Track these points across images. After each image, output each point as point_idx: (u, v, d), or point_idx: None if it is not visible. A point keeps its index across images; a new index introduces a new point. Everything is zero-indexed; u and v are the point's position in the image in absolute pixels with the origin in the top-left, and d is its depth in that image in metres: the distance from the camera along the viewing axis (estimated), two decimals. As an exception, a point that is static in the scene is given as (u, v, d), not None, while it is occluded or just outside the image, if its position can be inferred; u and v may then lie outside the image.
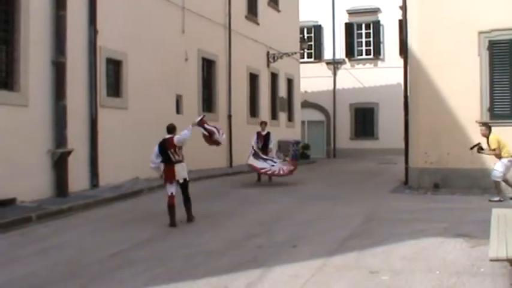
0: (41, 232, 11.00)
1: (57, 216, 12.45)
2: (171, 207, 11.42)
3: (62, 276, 7.83)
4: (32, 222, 11.75)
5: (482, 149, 14.70)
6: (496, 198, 14.08)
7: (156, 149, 11.62)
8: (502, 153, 14.30)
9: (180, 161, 11.64)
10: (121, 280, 7.56)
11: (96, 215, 12.96)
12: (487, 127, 14.66)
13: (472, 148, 14.90)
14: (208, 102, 23.43)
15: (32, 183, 13.72)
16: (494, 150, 14.34)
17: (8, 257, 8.96)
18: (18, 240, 10.37)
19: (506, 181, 14.54)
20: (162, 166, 11.69)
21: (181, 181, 11.64)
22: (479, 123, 15.16)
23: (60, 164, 14.42)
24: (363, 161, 31.55)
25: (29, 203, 13.18)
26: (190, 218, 11.73)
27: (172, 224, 11.33)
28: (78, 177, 15.14)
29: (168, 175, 11.57)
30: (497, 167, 14.39)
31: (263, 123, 20.69)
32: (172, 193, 11.51)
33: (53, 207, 12.87)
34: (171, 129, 11.92)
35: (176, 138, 11.59)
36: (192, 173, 17.09)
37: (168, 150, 11.52)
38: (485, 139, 14.62)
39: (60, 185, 14.43)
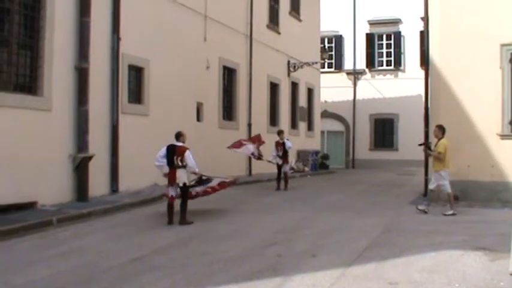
0: (61, 236, 11.09)
1: (77, 220, 12.55)
2: (169, 207, 12.40)
3: (81, 280, 7.89)
4: (52, 225, 11.84)
5: (430, 148, 15.00)
6: (450, 212, 14.13)
7: (164, 150, 12.52)
8: (443, 163, 14.45)
9: (183, 167, 12.31)
10: (140, 285, 7.60)
11: (116, 220, 13.04)
12: (440, 129, 14.77)
13: (420, 145, 15.63)
14: (228, 111, 23.51)
15: (53, 187, 13.85)
16: (439, 153, 14.43)
17: (28, 260, 9.05)
18: (38, 243, 10.45)
19: (432, 191, 14.83)
20: (166, 168, 12.47)
21: (181, 185, 12.38)
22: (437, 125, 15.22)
23: (81, 168, 14.53)
24: (382, 172, 31.44)
25: (49, 207, 13.31)
26: (182, 221, 12.26)
27: (169, 222, 12.24)
28: (98, 182, 15.25)
29: (170, 178, 12.41)
30: (441, 181, 14.48)
31: (281, 132, 20.88)
32: (172, 195, 12.46)
33: (73, 212, 12.97)
34: (179, 136, 12.66)
35: (188, 156, 12.32)
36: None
37: (174, 156, 12.31)
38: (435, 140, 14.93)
39: (81, 190, 14.53)
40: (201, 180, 13.46)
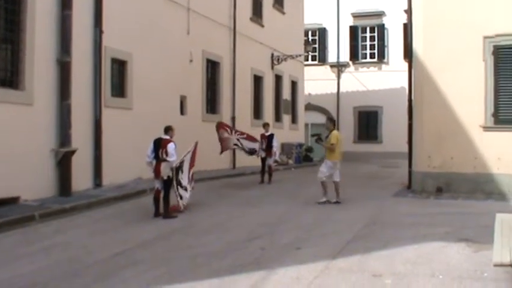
0: (43, 231, 11.03)
1: (60, 215, 12.47)
2: (155, 200, 12.58)
3: (65, 275, 7.84)
4: (35, 221, 11.76)
5: (321, 139, 15.38)
6: (323, 200, 14.60)
7: (151, 145, 12.69)
8: (334, 154, 14.87)
9: (166, 160, 12.38)
10: (124, 280, 7.57)
11: (99, 214, 12.98)
12: (331, 122, 15.46)
13: (313, 136, 16.17)
14: (212, 104, 23.45)
15: (35, 182, 13.75)
16: (332, 144, 14.80)
17: (11, 255, 8.99)
18: (21, 238, 10.39)
19: (323, 183, 14.92)
20: (154, 162, 12.60)
21: (165, 178, 12.45)
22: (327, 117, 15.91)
23: (63, 163, 14.43)
24: (366, 164, 31.49)
25: (32, 202, 13.21)
26: (165, 215, 12.36)
27: (156, 215, 12.40)
28: (81, 177, 15.17)
29: (156, 171, 12.55)
30: (322, 168, 14.94)
31: (266, 125, 20.88)
32: (158, 188, 12.60)
33: (56, 206, 12.90)
34: (168, 130, 12.92)
35: (171, 149, 12.44)
36: (195, 174, 17.15)
37: (159, 149, 12.51)
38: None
39: (64, 184, 14.44)
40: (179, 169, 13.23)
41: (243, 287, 7.19)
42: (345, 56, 37.74)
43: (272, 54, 29.09)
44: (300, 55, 31.85)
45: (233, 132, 19.50)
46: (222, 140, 18.97)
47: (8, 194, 12.87)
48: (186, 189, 13.16)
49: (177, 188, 12.77)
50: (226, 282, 7.39)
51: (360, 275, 7.65)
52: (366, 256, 8.71)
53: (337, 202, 14.63)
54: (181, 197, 12.90)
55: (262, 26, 27.79)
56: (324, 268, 7.99)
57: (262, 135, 20.34)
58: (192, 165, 13.57)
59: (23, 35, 13.52)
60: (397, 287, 7.11)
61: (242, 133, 19.58)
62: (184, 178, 13.10)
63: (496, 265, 6.38)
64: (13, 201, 12.96)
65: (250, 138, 19.56)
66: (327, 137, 15.19)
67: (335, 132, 15.09)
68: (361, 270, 7.89)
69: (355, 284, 7.24)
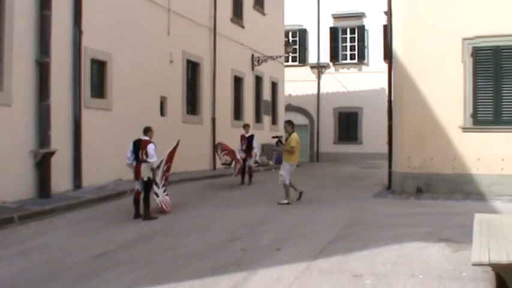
0: (23, 233, 10.93)
1: (39, 217, 12.36)
2: (135, 202, 12.54)
3: (45, 277, 7.79)
4: (14, 223, 11.64)
5: (281, 142, 15.57)
6: (285, 201, 14.81)
7: (130, 146, 12.59)
8: (293, 157, 15.27)
9: (146, 161, 12.37)
10: (105, 281, 7.54)
11: (79, 216, 12.89)
12: (290, 124, 15.65)
13: (273, 137, 16.26)
14: (192, 105, 23.39)
15: (14, 184, 13.62)
16: (292, 147, 15.10)
17: (-10, 258, 8.91)
18: None
19: (291, 185, 15.31)
20: (134, 163, 12.57)
21: (145, 179, 12.47)
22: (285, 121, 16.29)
23: (43, 164, 14.32)
24: (347, 165, 31.61)
25: (10, 204, 13.08)
26: (146, 216, 12.35)
27: (136, 216, 12.39)
28: (61, 178, 15.07)
29: (136, 173, 12.54)
30: (282, 172, 15.21)
31: (246, 126, 20.88)
32: (138, 189, 12.60)
33: (35, 208, 12.78)
34: (147, 131, 12.86)
35: (151, 150, 12.39)
36: (175, 175, 17.12)
37: (139, 150, 12.49)
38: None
39: (43, 186, 14.33)
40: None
41: (224, 288, 7.20)
42: (325, 57, 37.82)
43: (252, 55, 29.08)
44: (280, 56, 31.87)
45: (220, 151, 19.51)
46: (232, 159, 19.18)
47: (-14, 196, 12.77)
48: (158, 186, 13.05)
49: (153, 187, 12.78)
50: (207, 283, 7.39)
51: (340, 276, 7.68)
52: (347, 256, 8.75)
53: (288, 203, 14.80)
54: (156, 195, 12.87)
55: (243, 27, 27.78)
56: (305, 269, 8.01)
57: (242, 136, 20.35)
58: (168, 161, 13.39)
59: (1, 35, 13.41)
60: (377, 287, 7.14)
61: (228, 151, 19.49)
62: (158, 174, 13.03)
63: (474, 264, 6.41)
64: (-9, 203, 12.85)
65: (232, 154, 19.44)
66: (286, 139, 15.42)
67: (294, 135, 15.28)
68: (341, 271, 7.92)
69: (336, 285, 7.27)
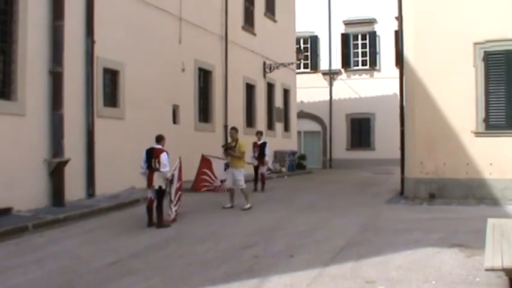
0: (37, 241, 11.00)
1: (53, 225, 12.44)
2: (148, 210, 12.57)
3: (58, 285, 7.84)
4: (28, 231, 11.72)
5: (230, 149, 15.67)
6: (248, 206, 15.14)
7: (143, 155, 12.64)
8: (242, 162, 15.69)
9: (158, 170, 12.41)
10: (118, 289, 7.58)
11: (92, 224, 12.95)
12: (236, 131, 16.10)
13: (223, 146, 16.49)
14: (204, 113, 23.45)
15: (28, 193, 13.71)
16: (243, 153, 15.61)
17: (4, 266, 8.96)
18: (14, 249, 10.35)
19: (232, 190, 15.61)
20: (147, 172, 12.62)
21: (156, 187, 12.50)
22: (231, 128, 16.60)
23: (56, 173, 14.41)
24: (359, 171, 31.55)
25: (25, 213, 13.17)
26: (159, 224, 12.37)
27: (149, 224, 12.40)
28: (74, 187, 15.14)
29: (148, 181, 12.56)
30: (240, 177, 15.42)
31: (258, 133, 20.95)
32: (151, 197, 12.63)
33: (49, 217, 12.86)
34: (159, 139, 12.92)
35: (164, 159, 12.44)
36: (188, 183, 17.16)
37: (152, 159, 12.50)
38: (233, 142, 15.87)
39: (57, 195, 14.41)
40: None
41: (236, 295, 7.21)
42: (337, 64, 37.83)
43: (264, 63, 29.13)
44: (292, 63, 31.92)
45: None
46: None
47: (0, 205, 12.82)
48: (172, 203, 13.09)
49: (170, 201, 12.83)
50: (220, 291, 7.41)
51: (352, 282, 7.67)
52: (359, 263, 8.74)
53: (251, 207, 15.20)
54: (170, 210, 12.93)
55: (254, 34, 27.85)
56: (317, 275, 8.02)
57: (255, 144, 20.46)
58: (179, 179, 13.37)
59: (14, 46, 13.53)
60: (390, 293, 7.14)
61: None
62: (172, 193, 13.07)
63: (487, 270, 6.40)
64: (6, 212, 12.90)
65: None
66: (234, 146, 15.63)
67: (241, 141, 15.85)
68: (354, 277, 7.91)
69: (349, 291, 7.27)
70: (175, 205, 13.16)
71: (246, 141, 20.66)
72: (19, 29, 13.58)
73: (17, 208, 13.22)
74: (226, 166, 16.66)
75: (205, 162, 18.73)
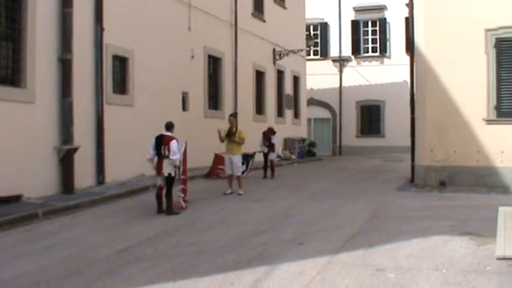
0: (47, 229, 11.02)
1: (63, 212, 12.49)
2: (158, 197, 12.58)
3: (68, 272, 7.84)
4: (38, 218, 11.78)
5: (231, 135, 15.68)
6: (242, 192, 15.44)
7: (153, 141, 12.61)
8: (241, 148, 15.93)
9: (168, 157, 12.40)
10: (127, 277, 7.56)
11: (102, 211, 12.99)
12: (235, 118, 16.33)
13: (227, 135, 15.78)
14: (214, 100, 23.44)
15: (38, 180, 13.76)
16: (243, 139, 15.79)
17: (15, 253, 8.98)
18: (24, 236, 10.38)
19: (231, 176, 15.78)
20: (156, 159, 12.63)
21: (166, 175, 12.50)
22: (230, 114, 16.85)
23: (66, 160, 14.44)
24: (369, 158, 31.51)
25: (35, 200, 13.24)
26: (168, 211, 12.36)
27: (159, 211, 12.45)
28: (84, 174, 15.18)
29: (158, 168, 12.60)
30: (239, 163, 15.74)
31: (270, 130, 20.90)
32: (160, 184, 12.64)
33: (59, 204, 12.91)
34: (169, 126, 12.90)
35: (174, 146, 12.40)
36: (197, 170, 17.20)
37: (161, 145, 12.50)
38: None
39: (66, 182, 14.46)
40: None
41: (246, 283, 7.17)
42: (347, 50, 37.66)
43: (274, 50, 29.05)
44: (301, 50, 31.82)
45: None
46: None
47: (10, 192, 12.89)
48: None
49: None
50: (229, 278, 7.37)
51: (363, 270, 7.63)
52: (369, 250, 8.70)
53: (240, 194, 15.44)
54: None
55: (264, 21, 27.75)
56: (327, 263, 7.98)
57: (264, 134, 20.60)
58: (184, 166, 13.30)
59: (24, 33, 13.53)
60: (401, 281, 7.08)
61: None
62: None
63: (498, 258, 6.36)
64: (16, 199, 12.98)
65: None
66: (235, 132, 15.69)
67: (241, 127, 16.02)
68: (364, 265, 7.88)
69: (358, 279, 7.22)
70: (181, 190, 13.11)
71: (256, 129, 20.72)
72: (28, 17, 13.57)
73: (27, 195, 13.28)
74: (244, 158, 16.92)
75: (219, 159, 18.69)
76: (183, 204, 12.84)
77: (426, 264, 7.83)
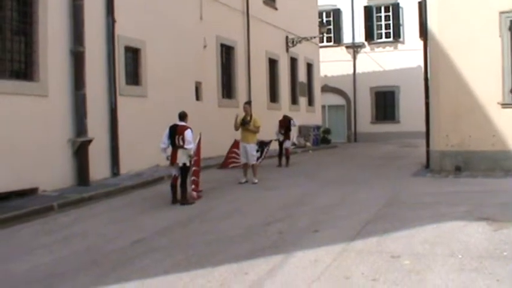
0: (62, 221, 11.08)
1: (78, 204, 12.55)
2: (172, 187, 12.60)
3: (84, 264, 7.87)
4: (54, 211, 11.83)
5: (246, 123, 15.62)
6: (256, 181, 15.48)
7: (167, 131, 12.58)
8: (256, 136, 15.98)
9: (182, 147, 12.36)
10: (142, 267, 7.58)
11: (117, 203, 13.03)
12: (250, 106, 16.27)
13: (242, 124, 15.72)
14: (227, 89, 23.42)
15: (53, 173, 13.83)
16: (258, 128, 15.78)
17: (31, 246, 9.04)
18: (40, 229, 10.44)
19: (246, 165, 15.87)
20: (169, 149, 12.58)
21: (180, 165, 12.45)
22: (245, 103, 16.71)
23: (81, 153, 14.49)
24: (384, 144, 31.42)
25: (50, 192, 13.30)
26: (183, 201, 12.38)
27: (174, 201, 12.45)
28: (99, 166, 15.23)
29: (172, 158, 12.54)
30: (253, 152, 15.78)
31: (286, 118, 21.01)
32: (175, 174, 12.65)
33: (75, 196, 12.96)
34: (183, 116, 12.86)
35: (188, 136, 12.36)
36: (212, 159, 17.21)
37: (175, 135, 12.46)
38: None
39: (81, 174, 14.51)
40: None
41: (261, 271, 7.16)
42: (360, 37, 37.49)
43: (286, 37, 28.96)
44: (314, 37, 31.70)
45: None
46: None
47: (26, 186, 12.97)
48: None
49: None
50: (244, 267, 7.36)
51: (378, 257, 7.60)
52: (384, 237, 8.66)
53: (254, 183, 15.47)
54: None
55: (276, 8, 27.65)
56: (342, 250, 7.96)
57: (281, 123, 20.61)
58: (196, 155, 13.03)
59: (35, 27, 13.55)
60: (416, 268, 7.04)
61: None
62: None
63: (515, 243, 6.32)
64: (32, 192, 13.06)
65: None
66: (249, 120, 15.67)
67: (255, 115, 15.93)
68: (379, 252, 7.84)
69: (373, 266, 7.19)
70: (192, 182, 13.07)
71: (270, 117, 20.69)
72: (39, 9, 13.58)
73: (42, 188, 13.35)
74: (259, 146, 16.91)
75: (236, 144, 18.62)
76: (195, 195, 12.81)
77: (442, 250, 7.78)
